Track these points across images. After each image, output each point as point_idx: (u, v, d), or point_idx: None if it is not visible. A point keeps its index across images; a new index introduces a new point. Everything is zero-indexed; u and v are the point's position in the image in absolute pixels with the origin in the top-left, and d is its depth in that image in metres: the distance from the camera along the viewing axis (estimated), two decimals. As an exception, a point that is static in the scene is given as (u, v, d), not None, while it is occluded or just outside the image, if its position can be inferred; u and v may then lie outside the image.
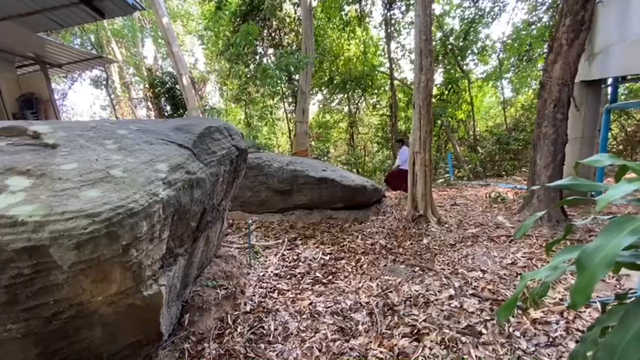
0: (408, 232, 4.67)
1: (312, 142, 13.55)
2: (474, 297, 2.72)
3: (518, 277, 3.14)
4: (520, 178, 10.11)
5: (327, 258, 3.87)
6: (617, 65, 4.90)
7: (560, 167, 4.67)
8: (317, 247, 4.18)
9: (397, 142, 7.88)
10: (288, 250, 4.11)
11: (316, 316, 2.54)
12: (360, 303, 2.78)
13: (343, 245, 4.25)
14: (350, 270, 3.55)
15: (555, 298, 2.68)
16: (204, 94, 19.01)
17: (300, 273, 3.50)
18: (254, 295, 2.97)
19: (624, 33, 4.67)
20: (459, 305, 2.59)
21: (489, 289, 2.86)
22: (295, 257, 3.89)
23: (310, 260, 3.82)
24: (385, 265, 3.57)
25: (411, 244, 4.30)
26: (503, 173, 12.40)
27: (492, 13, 13.32)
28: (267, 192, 4.88)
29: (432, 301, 2.69)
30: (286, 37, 11.52)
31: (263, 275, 3.44)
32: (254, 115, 13.01)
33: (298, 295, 2.99)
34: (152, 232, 1.45)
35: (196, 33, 16.56)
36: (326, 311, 2.60)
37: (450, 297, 2.73)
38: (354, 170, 14.51)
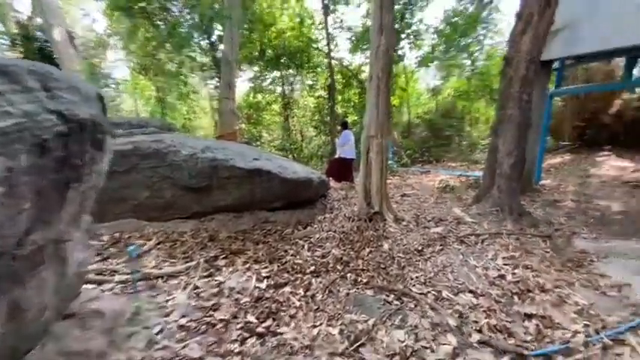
0: (365, 236, 3.76)
1: (243, 125, 11.88)
2: (484, 347, 1.88)
3: (515, 297, 2.44)
4: (455, 164, 10.25)
5: (264, 286, 2.70)
6: (563, 46, 4.65)
7: (522, 154, 4.24)
8: (248, 269, 2.96)
9: (341, 125, 6.93)
10: (205, 277, 2.81)
11: None
12: (322, 378, 1.71)
13: (286, 262, 3.12)
14: (298, 305, 2.45)
15: None
16: (103, 61, 15.50)
17: (222, 319, 2.26)
18: (133, 389, 1.66)
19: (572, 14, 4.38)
20: (471, 369, 1.71)
21: (496, 328, 2.06)
22: (216, 289, 2.62)
23: (239, 292, 2.60)
24: (347, 294, 2.56)
25: (371, 252, 3.39)
26: (433, 159, 12.62)
27: (425, -2, 13.20)
28: (173, 190, 3.42)
29: (431, 363, 1.76)
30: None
31: (159, 332, 2.12)
32: (170, 90, 10.69)
33: (217, 372, 1.78)
34: None
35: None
36: (266, 420, 1.46)
37: (454, 352, 1.83)
38: (290, 156, 13.33)
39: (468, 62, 14.91)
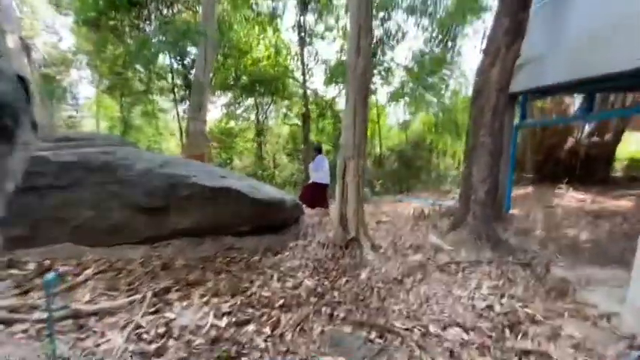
0: (341, 264, 3.45)
1: (212, 149, 11.44)
2: (484, 394, 1.60)
3: (507, 330, 2.22)
4: (426, 194, 10.38)
5: (224, 323, 2.27)
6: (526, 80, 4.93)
7: (496, 181, 4.26)
8: (206, 304, 2.52)
9: (315, 150, 6.78)
10: (152, 313, 2.33)
11: None
12: None
13: (251, 295, 2.71)
14: (264, 346, 2.05)
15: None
16: (66, 78, 14.78)
17: (166, 367, 1.81)
18: None
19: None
20: None
21: (493, 368, 1.80)
22: (163, 329, 2.16)
23: (191, 332, 2.16)
24: (322, 332, 2.20)
25: (348, 281, 3.08)
26: (404, 189, 12.79)
27: (396, 37, 14.13)
28: (123, 210, 2.96)
29: (425, 419, 1.44)
30: (180, 16, 9.38)
31: (79, 388, 1.63)
32: (135, 110, 10.14)
33: None
34: None
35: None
36: None
37: (452, 402, 1.53)
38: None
39: (435, 100, 15.87)
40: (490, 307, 2.52)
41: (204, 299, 2.58)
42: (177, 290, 2.68)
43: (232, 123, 15.40)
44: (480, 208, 4.22)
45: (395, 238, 4.70)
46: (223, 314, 2.38)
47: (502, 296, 2.72)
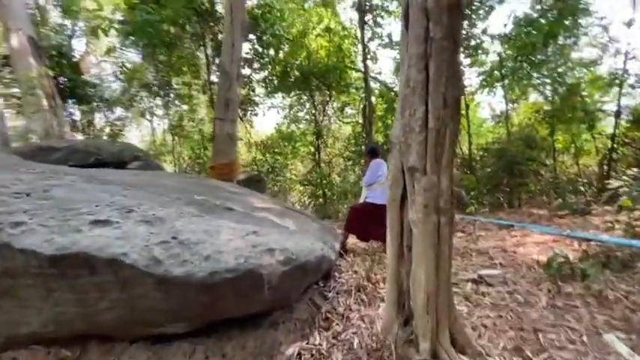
0: None
1: (260, 154, 10.10)
2: None
3: None
4: (543, 212, 7.00)
5: None
6: None
7: None
8: None
9: (368, 154, 4.58)
10: None
11: None
12: None
13: None
14: None
15: None
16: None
17: None
18: None
19: None
20: None
21: None
22: None
23: None
24: None
25: None
26: (505, 202, 9.37)
27: (489, 2, 10.78)
28: None
29: None
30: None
31: None
32: (180, 116, 9.48)
33: None
34: None
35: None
36: None
37: None
38: (320, 192, 11.11)
39: (548, 80, 11.74)
40: None
41: None
42: None
43: (293, 126, 14.28)
44: None
45: (521, 334, 2.22)
46: None
47: None
